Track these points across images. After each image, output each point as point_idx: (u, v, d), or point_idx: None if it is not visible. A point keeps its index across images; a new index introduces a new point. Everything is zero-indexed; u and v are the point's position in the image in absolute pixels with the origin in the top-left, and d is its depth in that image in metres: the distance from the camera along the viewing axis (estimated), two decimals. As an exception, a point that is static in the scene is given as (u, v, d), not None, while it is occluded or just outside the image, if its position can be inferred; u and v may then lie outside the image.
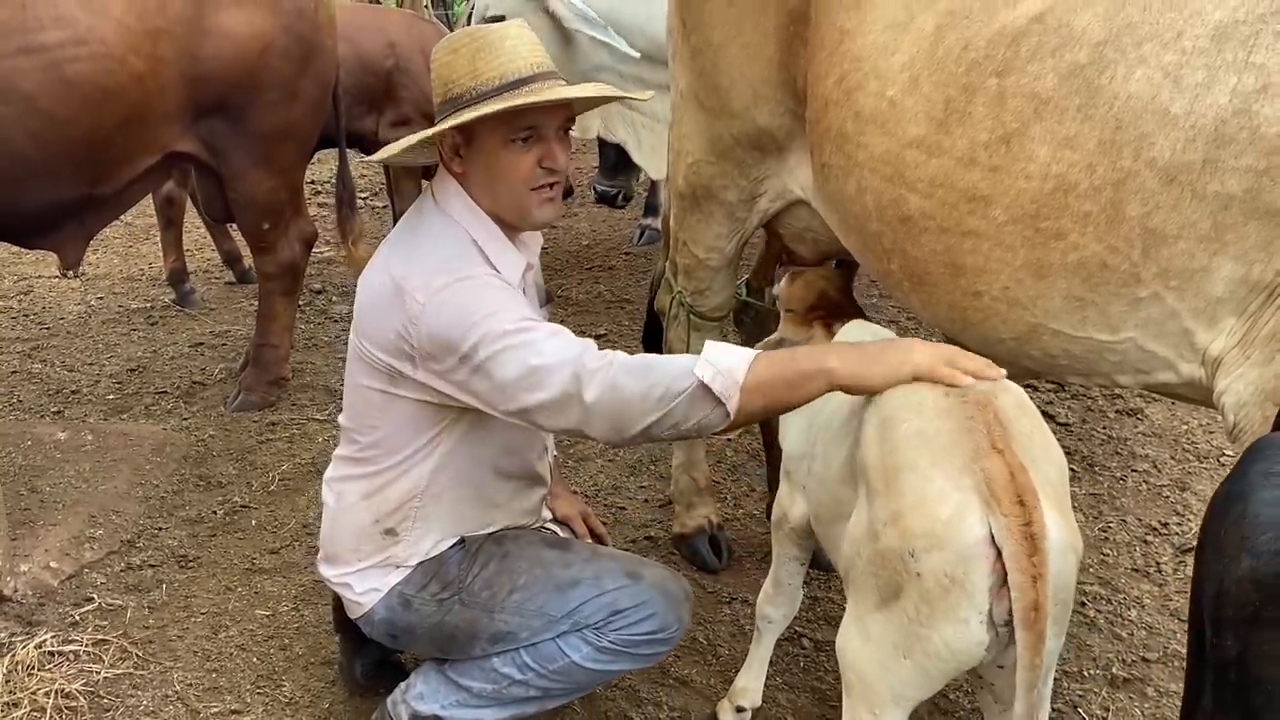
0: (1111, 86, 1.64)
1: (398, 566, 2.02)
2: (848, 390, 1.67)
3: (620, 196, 4.78)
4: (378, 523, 2.00)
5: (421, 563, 2.02)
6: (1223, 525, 1.23)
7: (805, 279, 2.30)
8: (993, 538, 1.46)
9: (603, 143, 5.19)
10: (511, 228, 1.94)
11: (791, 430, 2.08)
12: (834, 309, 2.24)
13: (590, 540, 2.30)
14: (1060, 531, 1.49)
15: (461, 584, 1.99)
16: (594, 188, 5.06)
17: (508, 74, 1.80)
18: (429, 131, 1.85)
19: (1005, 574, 1.45)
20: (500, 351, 1.73)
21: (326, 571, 2.10)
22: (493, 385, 1.75)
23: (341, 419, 2.07)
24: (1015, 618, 1.44)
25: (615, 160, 4.56)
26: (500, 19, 3.68)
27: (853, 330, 2.13)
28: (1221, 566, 1.20)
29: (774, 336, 2.31)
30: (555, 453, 2.34)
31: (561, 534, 2.25)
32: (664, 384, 1.66)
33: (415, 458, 1.96)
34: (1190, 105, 1.58)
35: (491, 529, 2.08)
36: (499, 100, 1.79)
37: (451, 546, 2.04)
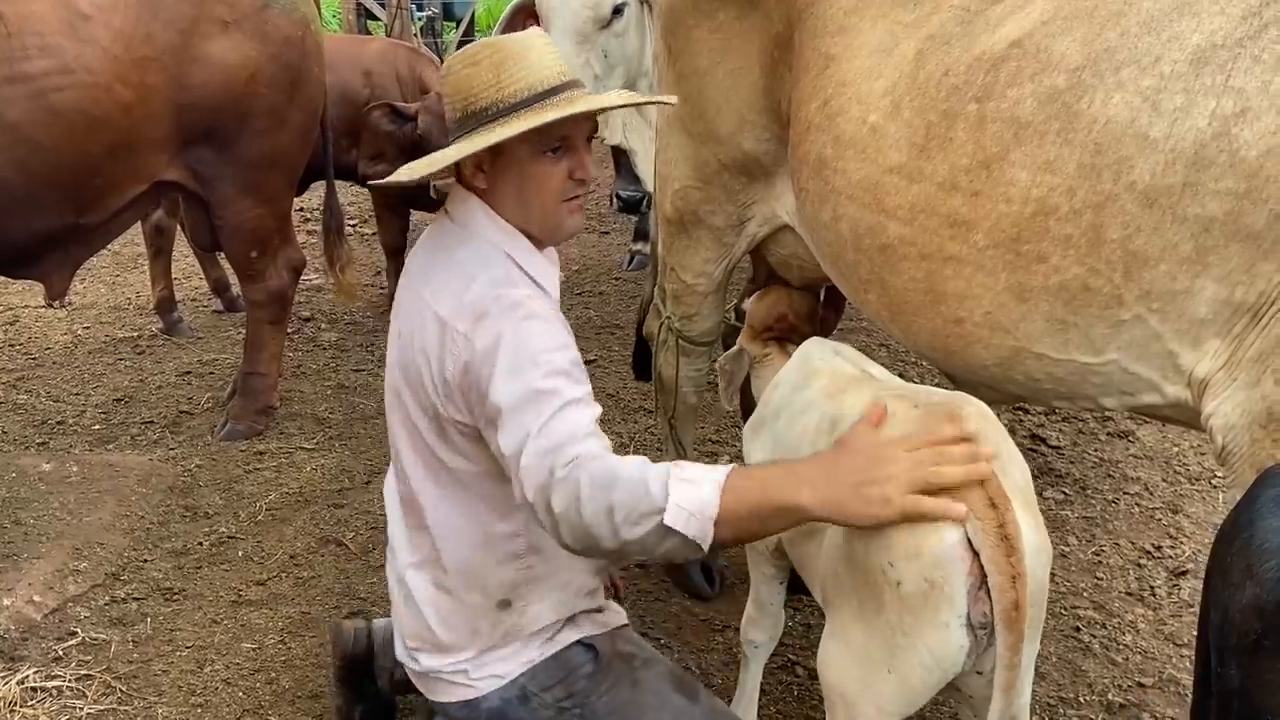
0: (1091, 111, 1.65)
1: (517, 640, 1.88)
2: (824, 521, 1.55)
3: (645, 201, 4.76)
4: (489, 598, 1.86)
5: (547, 660, 1.88)
6: (1229, 552, 1.22)
7: (770, 299, 2.33)
8: (968, 541, 1.48)
9: (618, 152, 5.20)
10: (538, 243, 1.87)
11: (755, 450, 2.08)
12: (790, 331, 2.25)
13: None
14: (1032, 533, 1.51)
15: (587, 699, 1.86)
16: (616, 195, 5.03)
17: (535, 85, 1.73)
18: (466, 150, 1.72)
19: (982, 577, 1.47)
20: (511, 412, 1.61)
21: (431, 663, 1.92)
22: (497, 448, 1.65)
23: (402, 491, 1.91)
24: (996, 618, 1.47)
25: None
26: (623, 6, 3.67)
27: (810, 348, 2.12)
28: (1227, 594, 1.19)
29: (733, 349, 2.33)
30: None
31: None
32: (626, 507, 1.50)
33: (510, 521, 1.82)
34: (1169, 129, 1.58)
35: (598, 580, 1.96)
36: (534, 112, 1.70)
37: (581, 647, 1.90)
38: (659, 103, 1.91)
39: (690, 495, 1.48)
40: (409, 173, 1.80)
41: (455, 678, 1.90)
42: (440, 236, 1.88)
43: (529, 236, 1.85)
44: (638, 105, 1.98)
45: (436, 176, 1.84)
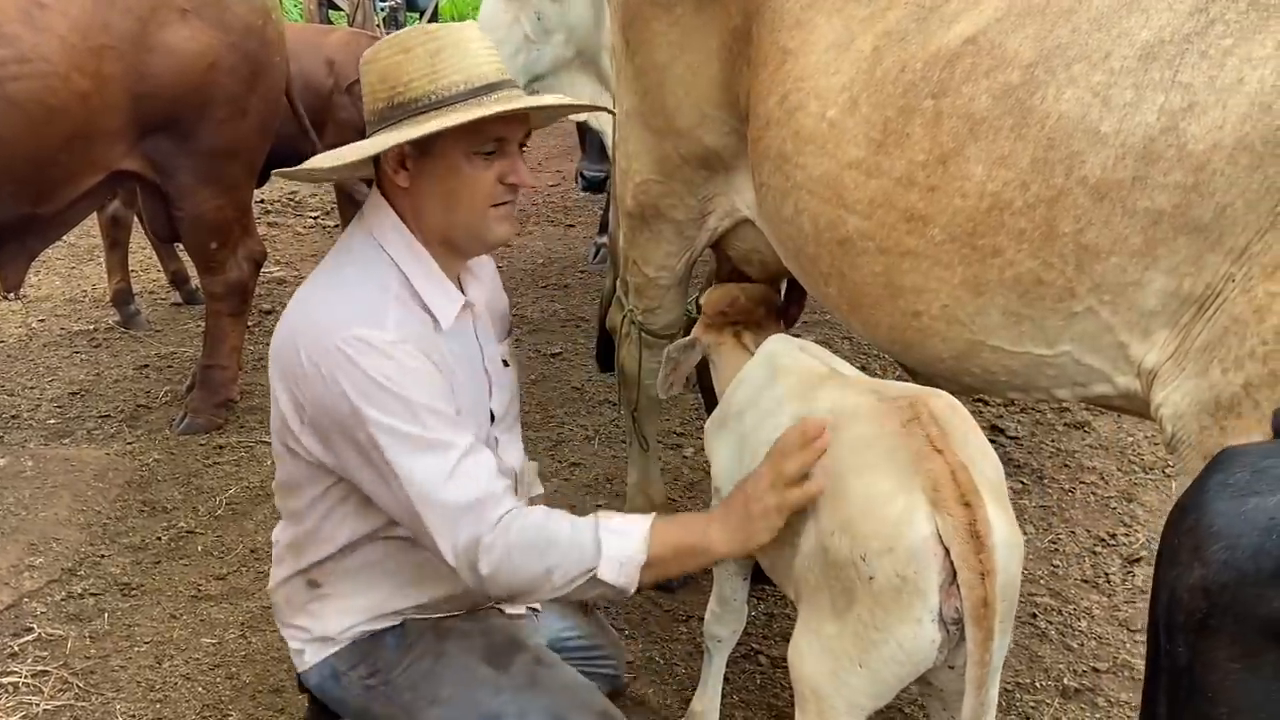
0: (1043, 106, 1.67)
1: (327, 639, 1.88)
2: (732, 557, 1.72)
3: (609, 180, 4.76)
4: (303, 572, 1.87)
5: (357, 639, 1.87)
6: (1178, 534, 1.24)
7: (723, 287, 2.32)
8: (939, 537, 1.49)
9: (584, 134, 5.15)
10: (460, 253, 1.79)
11: (721, 448, 2.07)
12: (745, 315, 2.24)
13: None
14: (1003, 528, 1.52)
15: (389, 674, 1.84)
16: (581, 175, 4.99)
17: (473, 79, 1.63)
18: (392, 140, 1.62)
19: (953, 572, 1.48)
20: (390, 478, 1.60)
21: (284, 632, 1.97)
22: (383, 499, 1.65)
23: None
24: (965, 615, 1.47)
25: (602, 144, 4.49)
26: None
27: (775, 346, 2.10)
28: (1175, 575, 1.21)
29: (685, 339, 2.32)
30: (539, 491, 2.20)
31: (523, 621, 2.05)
32: (562, 569, 1.60)
33: (331, 516, 1.81)
34: (1119, 124, 1.61)
35: (432, 610, 1.91)
36: (469, 107, 1.60)
37: (391, 627, 1.88)
38: (597, 110, 1.89)
39: (620, 548, 1.61)
40: (325, 161, 1.69)
41: (294, 651, 1.93)
42: (348, 245, 1.79)
43: (452, 244, 1.77)
44: (576, 110, 1.91)
45: (360, 171, 1.74)
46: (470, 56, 1.65)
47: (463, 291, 1.84)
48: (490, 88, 1.64)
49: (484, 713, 1.78)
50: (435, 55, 1.63)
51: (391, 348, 1.62)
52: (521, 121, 1.72)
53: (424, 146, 1.66)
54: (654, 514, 1.69)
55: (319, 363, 1.62)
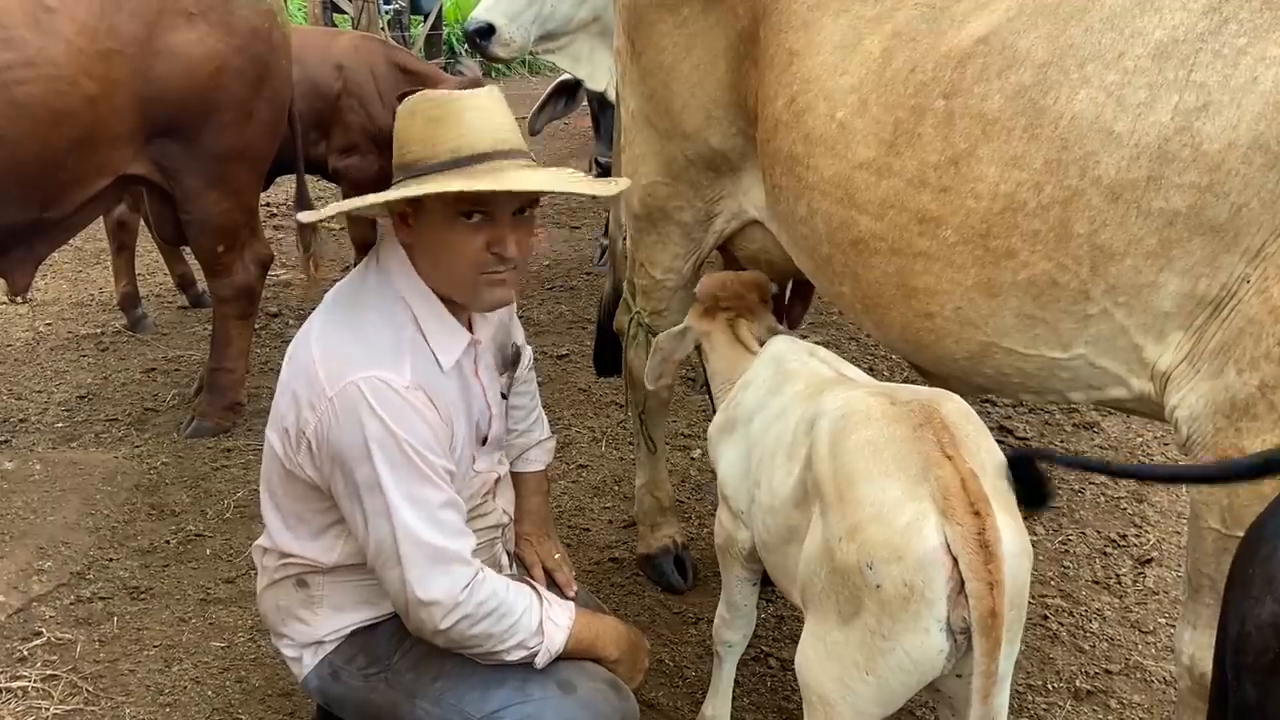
0: (1056, 106, 1.67)
1: (321, 642, 1.93)
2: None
3: None
4: (292, 575, 1.93)
5: (354, 633, 1.93)
6: (1251, 564, 1.16)
7: (718, 275, 2.31)
8: (948, 545, 1.47)
9: (597, 118, 5.09)
10: (460, 307, 1.86)
11: (725, 455, 2.06)
12: (737, 301, 2.25)
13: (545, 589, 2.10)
14: (1012, 537, 1.50)
15: (389, 661, 1.89)
16: (595, 162, 4.97)
17: (461, 149, 1.70)
18: (376, 198, 1.77)
19: (961, 581, 1.46)
20: (380, 512, 1.70)
21: (278, 644, 2.03)
22: (362, 530, 1.74)
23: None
24: (973, 625, 1.46)
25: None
26: None
27: (782, 348, 2.10)
28: (1246, 607, 1.14)
29: (677, 328, 2.32)
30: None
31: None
32: (507, 643, 1.77)
33: (320, 532, 1.88)
34: (1133, 124, 1.60)
35: None
36: (444, 178, 1.68)
37: (384, 621, 1.93)
38: (603, 193, 1.86)
39: (555, 640, 1.81)
40: (342, 207, 1.83)
41: (291, 660, 1.99)
42: (361, 280, 1.87)
43: (450, 300, 1.84)
44: (577, 193, 1.88)
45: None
46: (463, 126, 1.72)
47: (470, 329, 1.91)
48: (478, 157, 1.71)
49: (487, 680, 1.83)
50: (433, 123, 1.73)
51: (407, 393, 1.72)
52: (510, 195, 1.73)
53: (418, 207, 1.76)
54: (573, 606, 1.89)
55: (335, 398, 1.71)
